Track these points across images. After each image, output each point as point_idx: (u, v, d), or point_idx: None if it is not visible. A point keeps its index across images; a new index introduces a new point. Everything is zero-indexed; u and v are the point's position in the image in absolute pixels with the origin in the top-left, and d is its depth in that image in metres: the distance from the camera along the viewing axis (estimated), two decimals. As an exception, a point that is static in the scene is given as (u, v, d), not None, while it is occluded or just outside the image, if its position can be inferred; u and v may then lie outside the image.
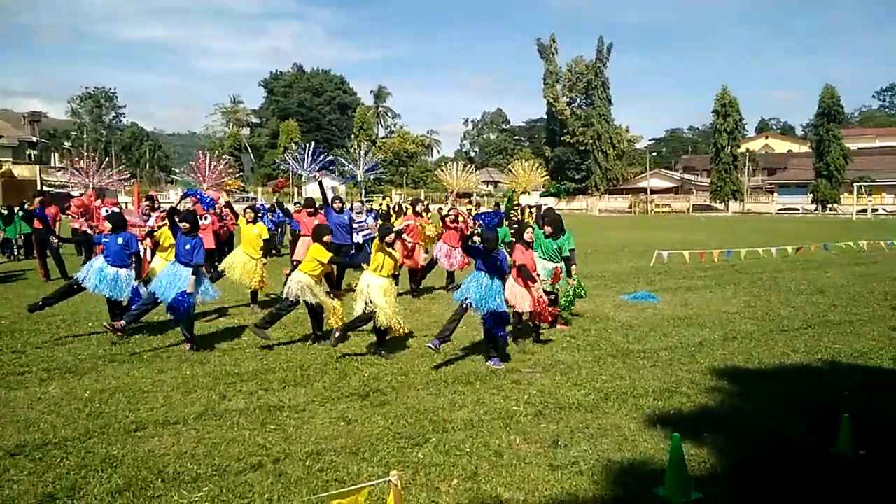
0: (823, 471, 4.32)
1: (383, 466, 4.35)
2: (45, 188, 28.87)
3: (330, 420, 5.26)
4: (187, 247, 7.43)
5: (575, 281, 8.54)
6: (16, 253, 17.52)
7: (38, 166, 48.77)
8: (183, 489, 4.06)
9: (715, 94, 67.87)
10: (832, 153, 61.81)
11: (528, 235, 7.70)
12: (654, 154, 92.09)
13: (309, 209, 11.03)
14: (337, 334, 7.12)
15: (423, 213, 11.83)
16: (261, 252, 9.66)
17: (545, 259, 8.44)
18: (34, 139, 58.31)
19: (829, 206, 62.38)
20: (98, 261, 7.88)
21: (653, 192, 74.69)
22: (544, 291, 7.85)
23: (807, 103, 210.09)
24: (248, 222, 9.77)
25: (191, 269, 7.40)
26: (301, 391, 6.01)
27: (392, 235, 7.15)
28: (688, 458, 4.26)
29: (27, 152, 55.86)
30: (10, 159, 48.47)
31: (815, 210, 62.70)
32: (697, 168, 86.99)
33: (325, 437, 4.89)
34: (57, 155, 63.01)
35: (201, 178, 14.09)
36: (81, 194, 13.75)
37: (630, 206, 71.51)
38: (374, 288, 7.02)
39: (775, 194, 72.24)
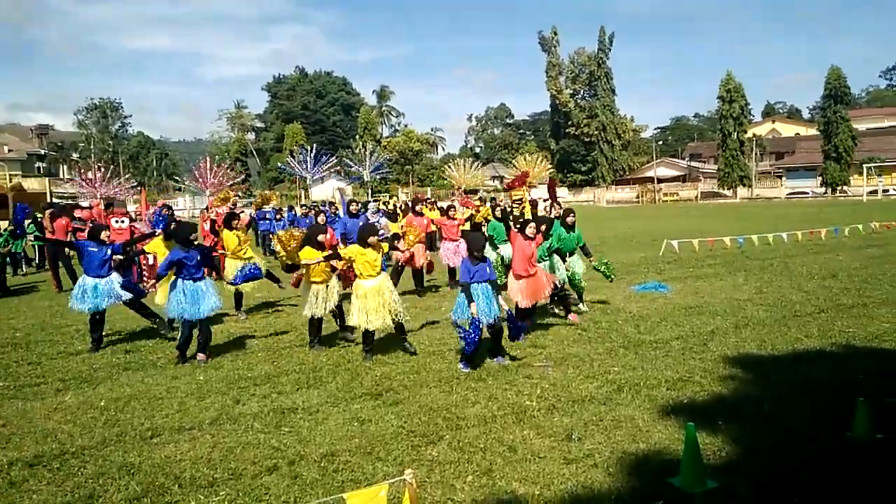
0: (840, 455, 4.29)
1: (398, 465, 4.36)
2: (54, 200, 29.11)
3: (344, 421, 5.28)
4: (195, 260, 7.30)
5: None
6: (23, 268, 16.98)
7: (46, 179, 49.18)
8: (200, 494, 4.09)
9: (720, 79, 67.47)
10: (840, 135, 61.24)
11: (529, 230, 7.66)
12: (660, 143, 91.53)
13: (320, 219, 10.98)
14: (367, 355, 7.09)
15: (424, 213, 11.81)
16: (248, 251, 9.64)
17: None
18: (42, 152, 58.94)
19: (839, 188, 61.84)
20: (87, 281, 7.78)
21: (660, 181, 74.29)
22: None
23: (813, 86, 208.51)
24: (230, 229, 9.50)
25: (208, 280, 7.40)
26: (314, 393, 6.03)
27: (373, 238, 7.02)
28: (703, 448, 4.25)
29: (36, 165, 56.41)
30: (20, 173, 48.89)
31: (825, 193, 62.17)
32: (704, 155, 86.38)
33: (339, 438, 4.91)
34: (65, 167, 63.55)
35: (203, 185, 14.21)
36: (90, 206, 13.88)
37: (637, 197, 71.23)
38: (369, 292, 6.94)
39: (784, 179, 71.68)
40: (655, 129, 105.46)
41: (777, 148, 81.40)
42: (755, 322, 8.27)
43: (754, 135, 74.14)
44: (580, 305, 9.28)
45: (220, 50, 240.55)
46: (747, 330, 7.87)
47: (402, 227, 11.05)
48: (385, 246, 7.40)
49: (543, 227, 8.20)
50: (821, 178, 64.26)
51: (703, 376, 6.09)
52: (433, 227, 13.20)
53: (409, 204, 15.62)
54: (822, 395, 5.43)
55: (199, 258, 7.29)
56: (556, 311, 8.79)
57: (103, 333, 8.09)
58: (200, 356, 7.27)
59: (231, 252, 9.48)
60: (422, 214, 11.61)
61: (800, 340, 7.30)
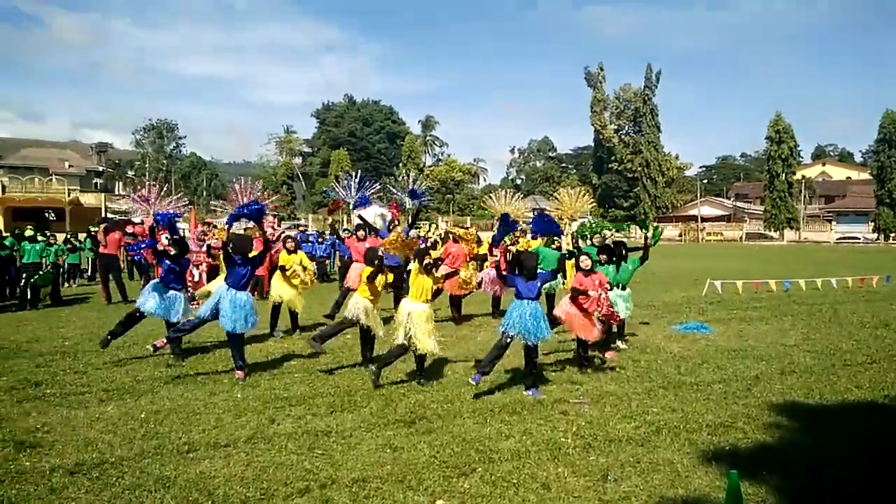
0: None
1: (429, 495, 4.32)
2: (108, 215, 30.23)
3: (376, 446, 5.26)
4: (243, 273, 7.60)
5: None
6: (75, 280, 17.58)
7: (103, 194, 51.27)
8: (232, 512, 4.11)
9: (768, 119, 66.50)
10: (895, 180, 59.41)
11: (583, 263, 7.67)
12: (705, 182, 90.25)
13: (359, 234, 11.19)
14: (373, 368, 7.17)
15: (462, 239, 11.79)
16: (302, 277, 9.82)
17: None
18: (100, 168, 61.46)
19: (893, 235, 59.73)
20: (158, 285, 8.13)
21: (703, 219, 73.03)
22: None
23: (866, 129, 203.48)
24: (289, 252, 9.84)
25: (248, 294, 7.58)
26: (348, 417, 6.04)
27: (430, 259, 7.19)
28: (746, 498, 4.09)
29: (93, 181, 58.81)
30: (78, 188, 51.03)
31: (877, 239, 60.11)
32: (751, 196, 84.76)
33: (371, 464, 4.89)
34: (121, 183, 66.05)
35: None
36: (142, 221, 14.31)
37: (680, 235, 70.05)
38: (415, 316, 7.03)
39: (833, 223, 69.70)
40: (700, 167, 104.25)
41: (827, 191, 79.41)
42: (802, 369, 7.98)
43: (803, 177, 72.54)
44: (619, 343, 9.13)
45: (273, 76, 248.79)
46: (793, 377, 7.60)
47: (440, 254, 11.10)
48: (439, 282, 7.62)
49: (604, 256, 8.34)
50: (873, 223, 62.27)
51: (746, 422, 5.89)
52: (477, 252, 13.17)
53: (449, 234, 15.65)
54: (875, 451, 5.18)
55: (250, 272, 7.60)
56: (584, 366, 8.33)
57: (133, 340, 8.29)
58: (238, 374, 7.39)
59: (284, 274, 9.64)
60: (459, 241, 11.62)
61: (850, 391, 7.01)
